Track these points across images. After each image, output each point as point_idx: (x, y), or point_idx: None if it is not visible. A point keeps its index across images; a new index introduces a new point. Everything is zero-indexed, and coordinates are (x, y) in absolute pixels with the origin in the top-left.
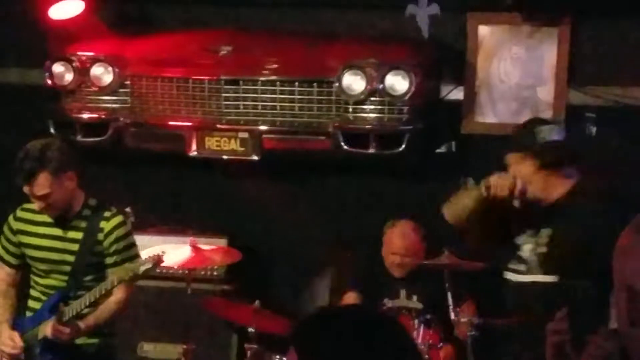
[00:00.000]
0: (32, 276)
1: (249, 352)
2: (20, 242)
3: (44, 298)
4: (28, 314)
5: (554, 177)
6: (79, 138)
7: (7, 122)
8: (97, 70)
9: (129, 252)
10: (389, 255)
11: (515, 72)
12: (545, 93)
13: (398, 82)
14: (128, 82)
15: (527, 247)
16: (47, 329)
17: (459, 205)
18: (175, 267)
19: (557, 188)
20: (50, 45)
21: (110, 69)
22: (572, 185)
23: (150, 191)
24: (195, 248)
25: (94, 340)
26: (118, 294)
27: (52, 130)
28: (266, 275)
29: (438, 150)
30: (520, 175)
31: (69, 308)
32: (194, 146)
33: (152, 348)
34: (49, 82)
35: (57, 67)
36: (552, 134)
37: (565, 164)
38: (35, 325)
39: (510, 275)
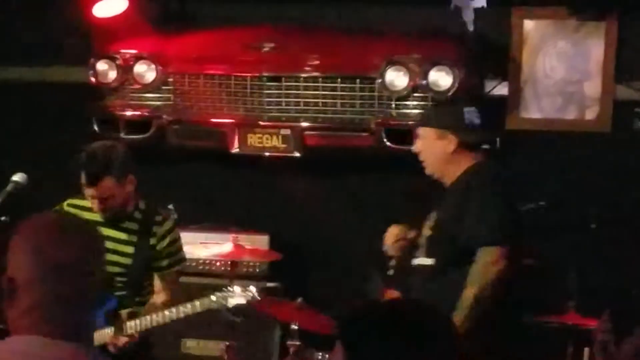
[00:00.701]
0: None
1: (291, 349)
2: None
3: None
4: None
5: (464, 160)
6: (122, 135)
7: (51, 120)
8: (140, 67)
9: (179, 256)
10: None
11: (561, 67)
12: (592, 88)
13: (442, 78)
14: (170, 80)
15: (424, 231)
16: (105, 339)
17: None
18: (218, 263)
19: (459, 171)
20: (93, 43)
21: (152, 66)
22: (463, 171)
23: (192, 188)
24: (236, 245)
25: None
26: (164, 297)
27: (95, 128)
28: (308, 273)
29: (482, 147)
30: (433, 152)
31: (134, 324)
32: (236, 143)
33: (194, 345)
34: (93, 79)
35: (101, 65)
36: (476, 116)
37: (476, 149)
38: None
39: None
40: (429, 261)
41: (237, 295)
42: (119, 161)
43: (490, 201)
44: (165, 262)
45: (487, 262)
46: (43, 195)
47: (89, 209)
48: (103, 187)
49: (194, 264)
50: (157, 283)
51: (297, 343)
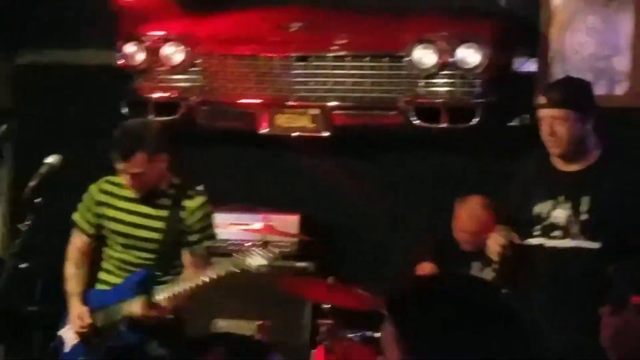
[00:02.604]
0: (106, 249)
1: (323, 328)
2: (102, 214)
3: (117, 272)
4: (99, 286)
5: (594, 140)
6: (151, 117)
7: (82, 103)
8: (168, 49)
9: (209, 232)
10: (458, 231)
11: (591, 42)
12: (622, 63)
13: (470, 55)
14: (199, 61)
15: (562, 214)
16: (134, 308)
17: None
18: (248, 244)
19: (592, 153)
20: (122, 25)
21: (181, 48)
22: (599, 153)
23: (221, 169)
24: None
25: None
26: (194, 274)
27: (124, 110)
28: (339, 252)
29: (511, 124)
30: (574, 133)
31: (161, 290)
32: (264, 123)
33: (226, 324)
34: (121, 62)
35: (129, 48)
36: None
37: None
38: (116, 301)
39: (540, 240)
40: (592, 244)
41: (257, 255)
42: (152, 138)
43: None
44: (195, 237)
45: None
46: (76, 177)
47: (125, 187)
48: (135, 162)
49: (224, 244)
50: (186, 259)
51: (329, 322)
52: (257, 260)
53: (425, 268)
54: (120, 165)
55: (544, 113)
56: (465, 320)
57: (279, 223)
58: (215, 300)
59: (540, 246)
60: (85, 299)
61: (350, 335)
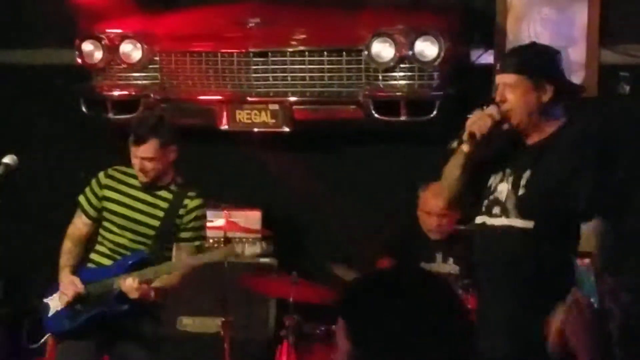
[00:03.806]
0: (102, 232)
1: (287, 323)
2: (104, 196)
3: (109, 254)
4: (90, 266)
5: (557, 113)
6: (111, 115)
7: (40, 103)
8: (126, 47)
9: (201, 232)
10: (424, 217)
11: (546, 33)
12: (577, 53)
13: (427, 48)
14: (157, 58)
15: (504, 188)
16: (127, 283)
17: (449, 180)
18: (211, 240)
19: (550, 124)
20: (79, 24)
21: (139, 45)
22: (559, 125)
23: (182, 167)
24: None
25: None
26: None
27: (83, 109)
28: (302, 247)
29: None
30: (526, 103)
31: (149, 270)
32: (224, 120)
33: (191, 322)
34: (79, 60)
35: (87, 46)
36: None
37: (563, 101)
38: (109, 276)
39: (482, 219)
40: (526, 223)
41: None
42: (165, 128)
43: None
44: (187, 235)
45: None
46: (33, 177)
47: (132, 175)
48: (147, 148)
49: None
50: (176, 255)
51: (293, 317)
52: (250, 249)
53: (384, 263)
54: (133, 149)
55: (497, 80)
56: (411, 315)
57: (241, 219)
58: (180, 297)
59: (483, 224)
60: (76, 274)
61: (315, 331)
